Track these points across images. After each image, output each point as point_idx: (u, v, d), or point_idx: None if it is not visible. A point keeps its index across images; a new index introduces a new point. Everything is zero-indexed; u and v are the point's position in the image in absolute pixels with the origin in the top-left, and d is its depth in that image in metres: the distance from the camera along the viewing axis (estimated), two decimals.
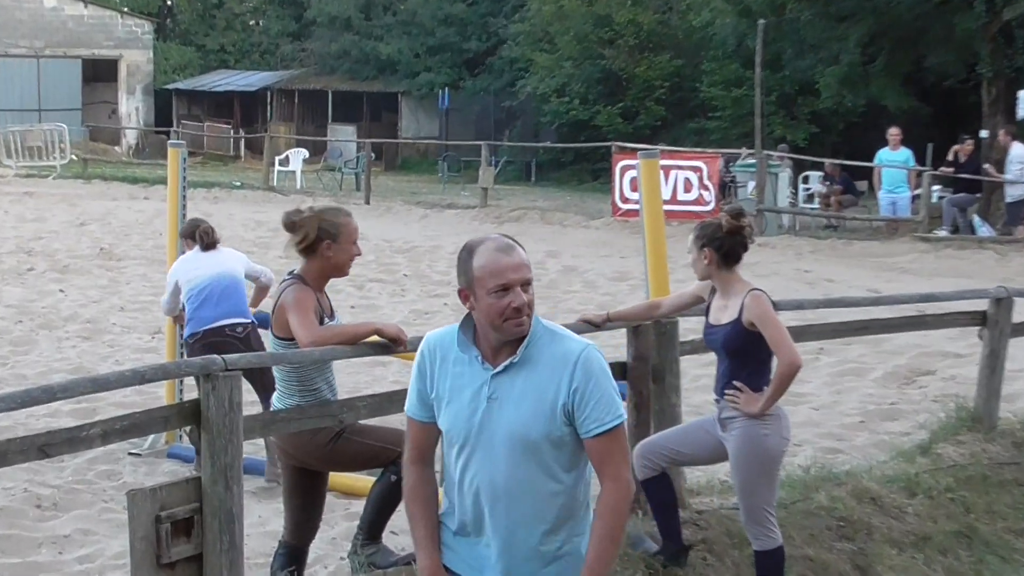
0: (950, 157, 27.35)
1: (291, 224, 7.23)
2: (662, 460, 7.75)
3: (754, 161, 28.39)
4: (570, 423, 4.78)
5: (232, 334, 10.60)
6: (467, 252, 4.82)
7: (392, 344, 7.21)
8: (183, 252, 11.18)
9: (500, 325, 4.72)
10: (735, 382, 7.35)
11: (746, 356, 7.38)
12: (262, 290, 11.45)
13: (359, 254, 7.38)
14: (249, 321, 10.82)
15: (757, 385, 7.35)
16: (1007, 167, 26.56)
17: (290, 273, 7.33)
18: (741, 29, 33.27)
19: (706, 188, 28.37)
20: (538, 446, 4.77)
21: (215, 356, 6.47)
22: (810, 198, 31.35)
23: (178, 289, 10.88)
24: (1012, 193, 26.65)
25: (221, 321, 10.65)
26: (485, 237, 4.88)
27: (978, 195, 27.50)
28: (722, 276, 7.44)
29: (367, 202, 34.67)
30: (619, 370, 8.52)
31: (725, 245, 7.39)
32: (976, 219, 26.92)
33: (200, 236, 10.98)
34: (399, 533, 8.87)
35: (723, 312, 7.42)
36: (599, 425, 4.77)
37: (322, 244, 7.17)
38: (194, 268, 10.88)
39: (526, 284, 4.75)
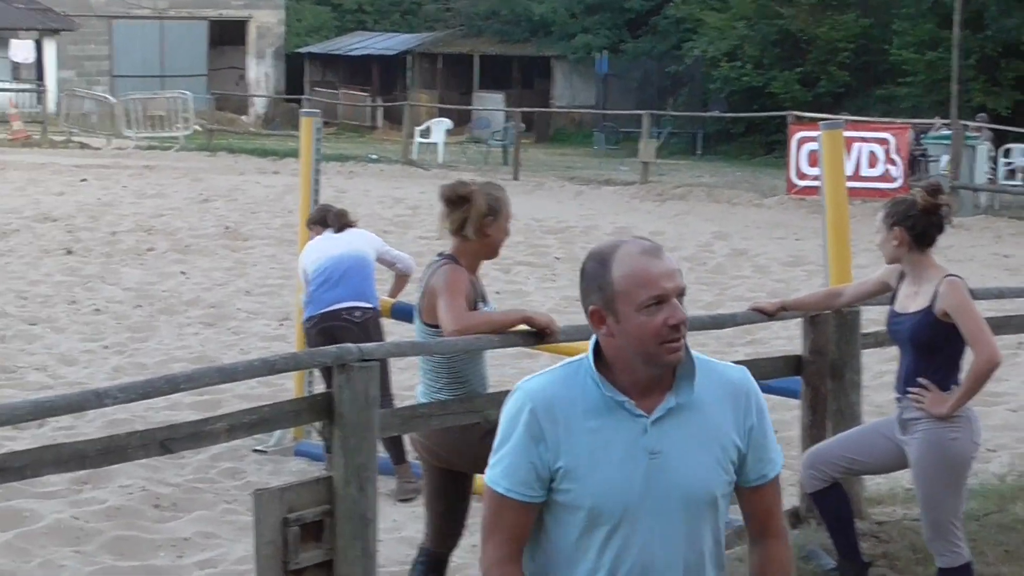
0: None
1: (456, 197, 7.19)
2: (835, 470, 7.69)
3: (949, 132, 28.08)
4: (735, 471, 4.13)
5: (349, 318, 10.64)
6: (599, 261, 4.03)
7: (542, 334, 7.23)
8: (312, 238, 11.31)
9: (655, 351, 3.93)
10: (921, 379, 7.19)
11: (935, 350, 7.22)
12: (401, 279, 11.49)
13: (509, 235, 7.40)
14: (371, 307, 10.78)
15: (945, 383, 7.20)
16: None
17: (440, 254, 7.32)
18: None
19: (893, 163, 28.03)
20: (715, 505, 4.07)
21: (350, 345, 6.54)
22: (1011, 174, 30.84)
23: (308, 278, 11.03)
24: None
25: (338, 304, 10.70)
26: (617, 241, 4.11)
27: None
28: (914, 260, 7.30)
29: (515, 177, 34.67)
30: (794, 364, 8.52)
31: (919, 225, 7.24)
32: None
33: (333, 219, 11.13)
34: None
35: (912, 300, 7.27)
36: (772, 468, 4.19)
37: (484, 220, 7.15)
38: (320, 250, 11.03)
39: (681, 294, 3.98)
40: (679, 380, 3.98)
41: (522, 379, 4.12)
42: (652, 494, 3.95)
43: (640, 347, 3.90)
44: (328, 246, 11.02)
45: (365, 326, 10.61)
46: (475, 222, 7.14)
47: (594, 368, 3.97)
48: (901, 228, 7.24)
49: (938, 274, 7.23)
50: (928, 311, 7.15)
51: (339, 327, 10.50)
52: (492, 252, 7.37)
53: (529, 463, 3.98)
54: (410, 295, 9.21)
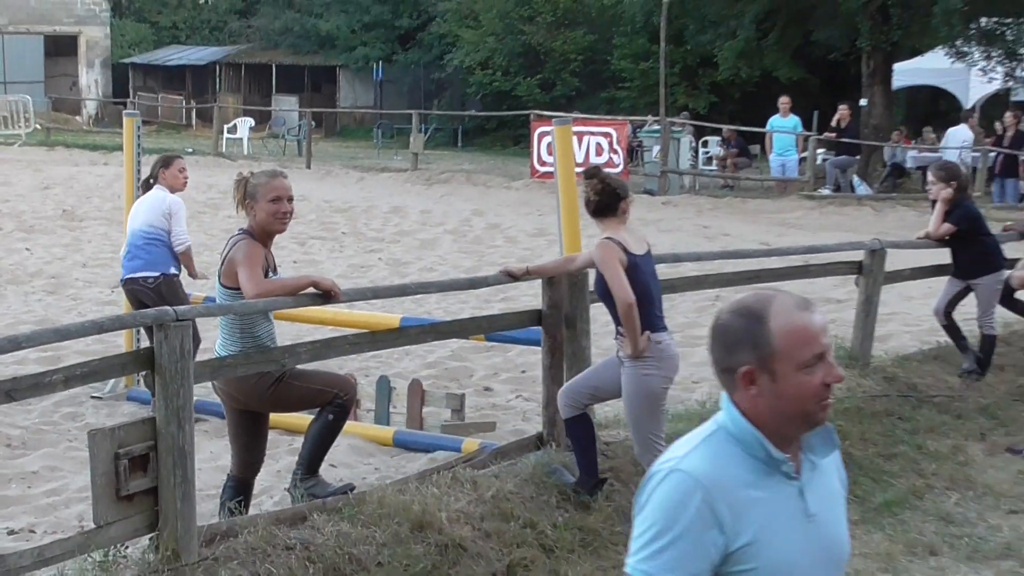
0: (833, 123, 27.68)
1: (234, 185, 7.42)
2: (585, 399, 7.77)
3: (659, 127, 28.59)
4: None
5: (144, 285, 10.71)
6: (752, 315, 3.17)
7: (327, 296, 7.24)
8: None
9: (812, 410, 3.15)
10: (622, 330, 7.31)
11: (610, 300, 7.34)
12: (182, 256, 11.18)
13: (287, 211, 7.33)
14: (158, 275, 10.75)
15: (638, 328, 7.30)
16: (945, 143, 27.07)
17: (240, 229, 7.35)
18: (648, 7, 33.27)
19: (616, 152, 28.44)
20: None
21: (167, 308, 6.48)
22: (709, 161, 31.57)
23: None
24: None
25: (135, 273, 10.79)
26: (765, 295, 3.26)
27: (857, 157, 27.82)
28: (602, 228, 7.47)
29: (308, 166, 34.39)
30: (535, 317, 8.60)
31: (598, 201, 7.44)
32: (855, 179, 27.25)
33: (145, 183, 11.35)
34: (338, 466, 8.97)
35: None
36: None
37: (245, 203, 7.30)
38: (130, 220, 11.15)
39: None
40: (810, 436, 3.24)
41: (660, 462, 3.26)
42: (814, 558, 3.22)
43: (799, 407, 3.14)
44: (132, 217, 11.06)
45: (159, 290, 10.60)
46: (239, 204, 7.35)
47: (757, 432, 3.16)
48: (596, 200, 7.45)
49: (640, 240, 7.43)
50: (597, 270, 7.38)
51: (140, 290, 10.71)
52: (268, 228, 7.32)
53: (704, 553, 3.10)
54: None
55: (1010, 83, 29.55)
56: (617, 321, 7.34)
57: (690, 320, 13.72)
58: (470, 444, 9.13)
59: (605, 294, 7.36)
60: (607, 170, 8.47)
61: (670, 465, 3.17)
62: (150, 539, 6.31)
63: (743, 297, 3.23)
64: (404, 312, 12.48)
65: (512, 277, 8.10)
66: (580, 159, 27.50)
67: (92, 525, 6.20)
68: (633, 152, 30.13)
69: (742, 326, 3.15)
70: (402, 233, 22.19)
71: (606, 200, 7.42)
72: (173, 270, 10.92)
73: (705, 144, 31.91)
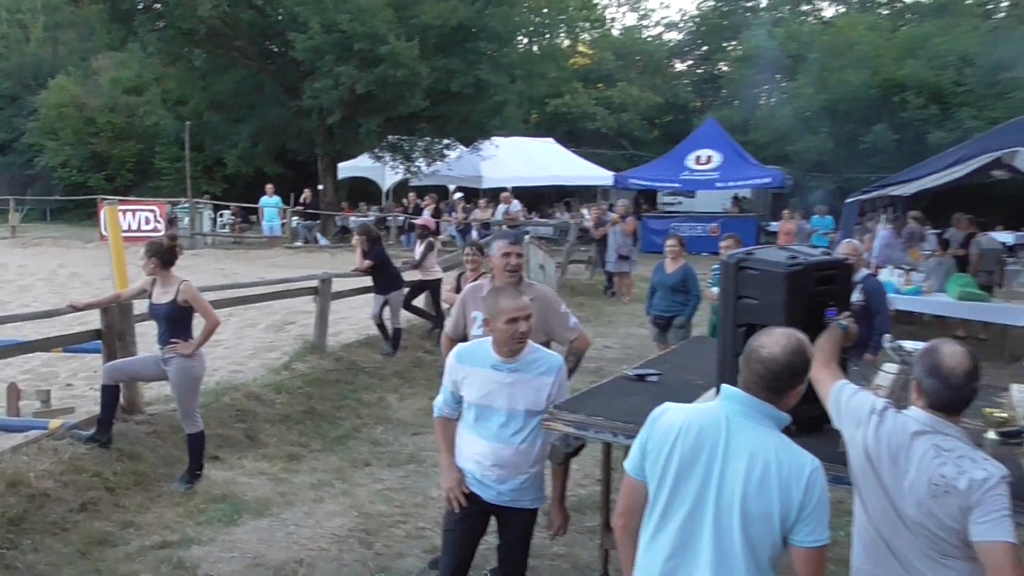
0: (302, 200, 27.77)
1: None
2: (123, 377, 7.45)
3: (187, 205, 27.55)
4: None
5: None
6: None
7: None
8: None
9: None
10: (173, 339, 7.07)
11: (179, 321, 7.11)
12: None
13: None
14: None
15: (186, 337, 7.12)
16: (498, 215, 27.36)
17: None
18: (177, 127, 32.11)
19: (159, 222, 27.07)
20: None
21: None
22: (224, 226, 30.64)
23: None
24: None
25: None
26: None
27: (318, 221, 27.96)
28: (162, 273, 7.15)
29: None
30: (96, 334, 8.07)
31: (166, 254, 7.14)
32: (319, 235, 27.32)
33: None
34: None
35: (164, 295, 7.11)
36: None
37: None
38: None
39: None
40: None
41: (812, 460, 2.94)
42: None
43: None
44: None
45: None
46: None
47: None
48: (155, 257, 7.10)
49: (178, 280, 7.11)
50: (173, 301, 7.04)
51: None
52: None
53: None
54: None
55: (408, 175, 30.65)
56: (171, 334, 7.08)
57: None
58: (55, 424, 8.42)
59: (169, 315, 7.07)
60: (153, 235, 8.12)
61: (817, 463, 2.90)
62: None
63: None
64: (4, 337, 11.30)
65: (75, 309, 7.55)
66: (136, 227, 26.31)
67: None
68: (172, 221, 28.73)
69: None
70: (4, 281, 20.05)
71: (170, 258, 7.16)
72: None
73: (221, 215, 30.95)
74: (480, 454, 4.39)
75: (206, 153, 34.96)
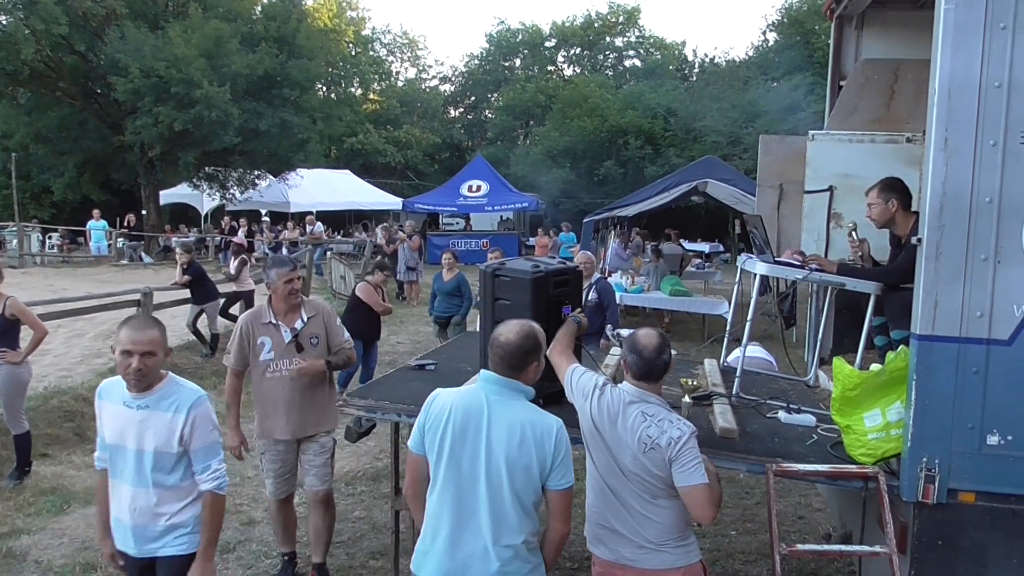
0: (126, 223, 25.94)
1: None
2: None
3: (16, 228, 25.02)
4: None
5: None
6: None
7: None
8: None
9: None
10: (1, 348, 6.37)
11: (7, 333, 6.37)
12: None
13: None
14: None
15: (14, 347, 6.45)
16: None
17: None
18: (3, 158, 28.93)
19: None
20: None
21: None
22: (53, 247, 28.01)
23: None
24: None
25: None
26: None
27: (142, 242, 26.16)
28: None
29: None
30: None
31: None
32: (144, 254, 25.54)
33: None
34: None
35: None
36: None
37: None
38: None
39: None
40: None
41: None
42: None
43: None
44: None
45: None
46: None
47: None
48: None
49: (3, 297, 6.39)
50: (1, 315, 6.35)
51: None
52: None
53: None
54: None
55: (224, 201, 29.24)
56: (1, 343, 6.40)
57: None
58: None
59: (7, 331, 6.37)
60: None
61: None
62: None
63: None
64: None
65: None
66: None
67: None
68: (1, 245, 26.02)
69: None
70: None
71: None
72: None
73: (51, 237, 28.32)
74: (121, 499, 3.32)
75: (33, 181, 31.92)
